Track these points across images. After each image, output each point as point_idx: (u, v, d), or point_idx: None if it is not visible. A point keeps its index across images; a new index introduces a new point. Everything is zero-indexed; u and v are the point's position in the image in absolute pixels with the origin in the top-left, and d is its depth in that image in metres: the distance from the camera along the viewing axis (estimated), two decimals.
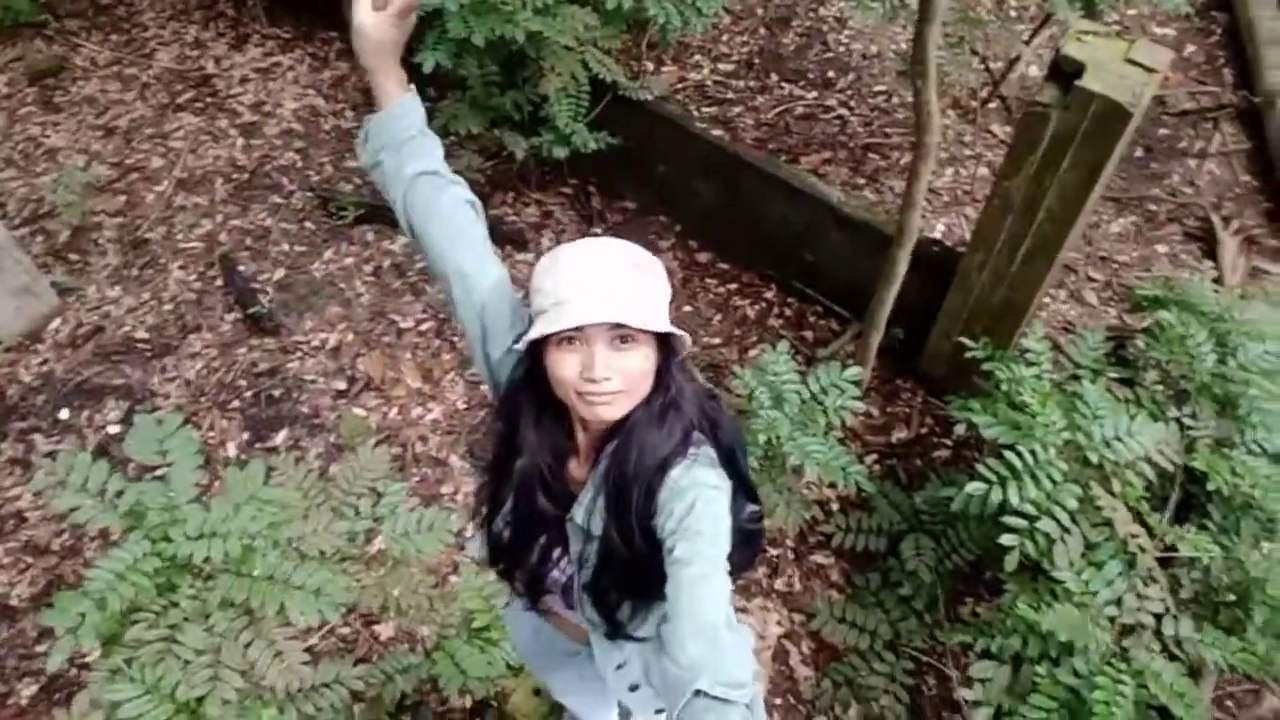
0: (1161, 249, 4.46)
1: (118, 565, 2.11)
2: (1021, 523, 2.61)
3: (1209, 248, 4.38)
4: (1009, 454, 2.64)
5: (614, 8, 3.58)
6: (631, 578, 1.64)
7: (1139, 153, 4.84)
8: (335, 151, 5.10)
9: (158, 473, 2.35)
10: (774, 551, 3.79)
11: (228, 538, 2.14)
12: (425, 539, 2.59)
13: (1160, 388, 3.15)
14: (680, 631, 1.33)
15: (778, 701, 3.30)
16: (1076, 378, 3.22)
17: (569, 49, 3.65)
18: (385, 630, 3.61)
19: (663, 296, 1.52)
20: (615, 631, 1.75)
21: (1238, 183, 4.68)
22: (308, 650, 2.43)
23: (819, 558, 3.71)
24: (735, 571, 1.46)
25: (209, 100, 5.35)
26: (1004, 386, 3.08)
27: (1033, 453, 2.63)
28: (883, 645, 3.30)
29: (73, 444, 4.11)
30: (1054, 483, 2.60)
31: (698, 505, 1.46)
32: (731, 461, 1.64)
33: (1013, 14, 5.36)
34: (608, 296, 1.43)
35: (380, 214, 4.82)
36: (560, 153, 4.12)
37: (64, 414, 4.25)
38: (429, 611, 2.69)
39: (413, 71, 3.93)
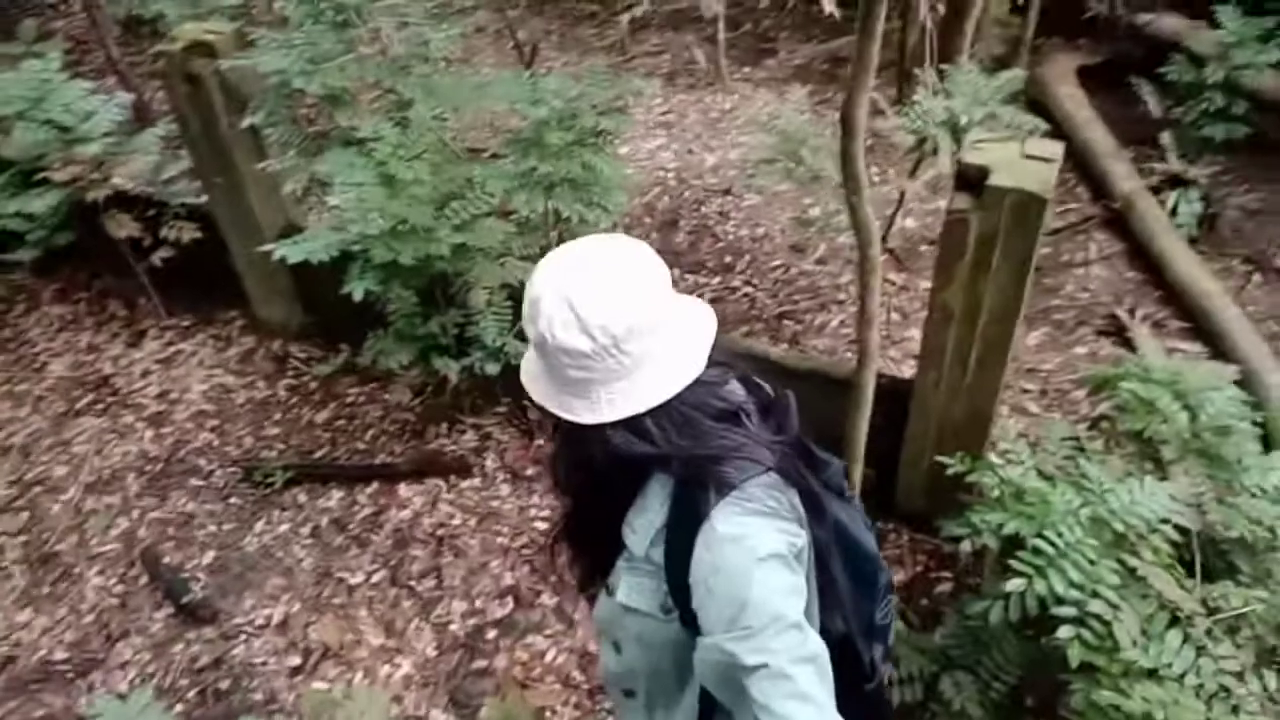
0: (1080, 350, 4.63)
1: None
2: (1071, 610, 2.47)
3: (1123, 340, 4.58)
4: (1037, 542, 2.55)
5: (526, 216, 3.67)
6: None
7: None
8: (253, 422, 4.92)
9: None
10: None
11: None
12: None
13: (1141, 459, 3.16)
14: None
15: None
16: (1059, 468, 3.20)
17: (492, 259, 3.69)
18: None
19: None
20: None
21: (1125, 279, 4.98)
22: None
23: None
24: None
25: (110, 400, 5.15)
26: (995, 492, 3.02)
27: (1059, 535, 2.54)
28: None
29: None
30: (1090, 561, 2.51)
31: (751, 595, 1.34)
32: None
33: (876, 179, 5.75)
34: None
35: (309, 473, 4.60)
36: (492, 369, 4.07)
37: None
38: None
39: (344, 304, 3.91)
